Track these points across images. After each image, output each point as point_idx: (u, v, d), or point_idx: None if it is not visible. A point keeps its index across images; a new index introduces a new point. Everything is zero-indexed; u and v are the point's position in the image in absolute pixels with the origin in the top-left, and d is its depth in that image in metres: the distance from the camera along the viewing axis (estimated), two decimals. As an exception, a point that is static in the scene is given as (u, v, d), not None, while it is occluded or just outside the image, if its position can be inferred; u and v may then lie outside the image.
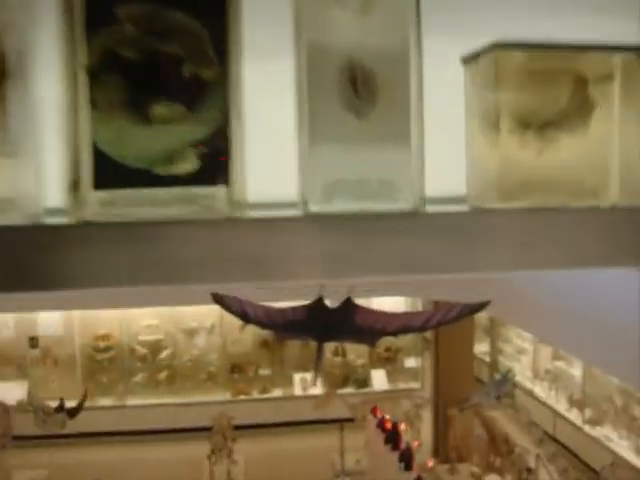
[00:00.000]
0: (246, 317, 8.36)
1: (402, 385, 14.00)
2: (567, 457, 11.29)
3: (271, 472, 11.87)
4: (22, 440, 11.83)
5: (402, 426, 10.67)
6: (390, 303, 12.19)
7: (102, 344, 13.56)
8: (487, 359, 15.51)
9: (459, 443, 10.35)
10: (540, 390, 13.26)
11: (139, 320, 13.63)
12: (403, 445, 9.66)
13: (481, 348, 15.10)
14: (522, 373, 13.68)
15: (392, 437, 9.86)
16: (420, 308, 12.95)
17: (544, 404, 12.83)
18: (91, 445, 12.82)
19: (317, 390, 13.11)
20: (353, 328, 6.48)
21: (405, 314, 9.21)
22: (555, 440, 11.92)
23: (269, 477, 11.69)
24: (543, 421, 11.74)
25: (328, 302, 8.39)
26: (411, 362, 14.32)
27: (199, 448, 11.53)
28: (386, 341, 13.84)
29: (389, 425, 10.19)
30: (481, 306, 7.37)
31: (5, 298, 11.04)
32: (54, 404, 10.87)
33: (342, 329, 6.63)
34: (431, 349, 12.15)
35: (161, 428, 13.13)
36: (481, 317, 14.65)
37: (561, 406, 12.47)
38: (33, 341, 13.50)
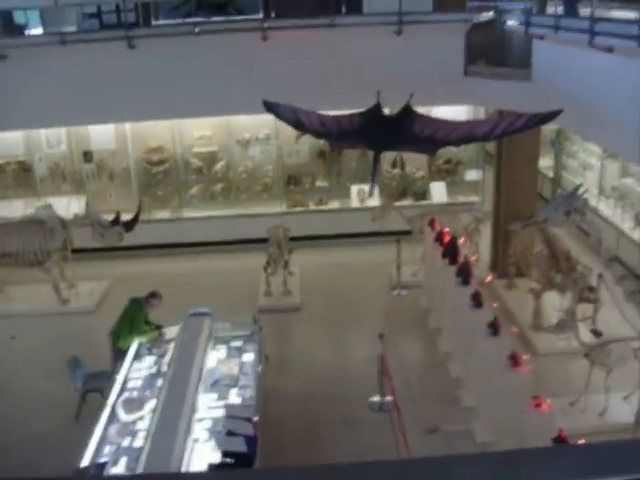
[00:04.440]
0: (300, 125, 7.89)
1: (462, 198, 13.67)
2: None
3: (327, 284, 11.97)
4: (83, 253, 12.09)
5: (460, 240, 10.46)
6: (451, 112, 11.58)
7: (156, 157, 13.42)
8: (550, 174, 14.92)
9: (519, 258, 10.12)
10: (605, 207, 12.73)
11: (192, 132, 13.35)
12: (461, 259, 9.48)
13: (544, 163, 14.47)
14: (587, 189, 13.12)
15: (449, 251, 9.66)
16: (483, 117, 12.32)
17: (608, 222, 12.33)
18: (150, 257, 13.14)
19: (374, 202, 12.91)
20: (412, 137, 6.06)
21: (468, 122, 8.60)
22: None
23: (325, 288, 11.80)
24: (606, 239, 11.33)
25: (386, 110, 7.79)
26: (472, 175, 13.88)
27: (256, 260, 11.64)
28: (447, 152, 13.35)
29: (447, 239, 9.98)
30: (551, 115, 6.70)
31: (54, 108, 10.75)
32: (112, 218, 10.97)
33: (400, 138, 6.23)
34: (493, 162, 11.64)
35: (218, 240, 13.28)
36: (547, 130, 13.94)
37: (626, 225, 11.99)
38: (87, 155, 13.42)
